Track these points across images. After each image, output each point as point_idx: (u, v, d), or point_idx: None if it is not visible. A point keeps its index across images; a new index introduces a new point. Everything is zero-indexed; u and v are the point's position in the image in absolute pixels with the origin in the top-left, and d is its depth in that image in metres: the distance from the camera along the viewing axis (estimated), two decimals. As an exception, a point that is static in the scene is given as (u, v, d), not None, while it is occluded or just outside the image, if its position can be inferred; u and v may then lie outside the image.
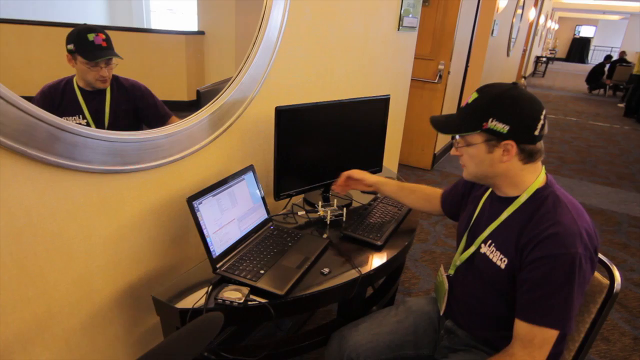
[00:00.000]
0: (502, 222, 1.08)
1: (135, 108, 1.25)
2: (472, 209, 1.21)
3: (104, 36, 1.09)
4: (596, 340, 1.13)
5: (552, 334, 0.95)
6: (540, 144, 1.01)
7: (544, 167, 1.06)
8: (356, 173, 1.52)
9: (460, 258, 1.20)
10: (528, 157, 1.00)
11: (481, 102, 1.00)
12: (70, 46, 1.05)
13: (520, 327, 0.98)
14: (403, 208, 1.69)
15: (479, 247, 1.13)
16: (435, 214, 1.46)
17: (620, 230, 3.33)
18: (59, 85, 1.08)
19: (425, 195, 1.47)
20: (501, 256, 1.05)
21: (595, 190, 4.17)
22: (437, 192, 1.46)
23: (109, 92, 1.17)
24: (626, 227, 3.40)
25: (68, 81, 1.09)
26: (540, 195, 1.02)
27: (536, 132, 0.97)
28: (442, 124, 1.08)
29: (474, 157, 1.04)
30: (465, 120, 1.02)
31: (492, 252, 1.08)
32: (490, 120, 0.97)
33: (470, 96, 1.03)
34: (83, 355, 1.18)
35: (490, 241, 1.10)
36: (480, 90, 1.02)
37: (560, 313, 0.94)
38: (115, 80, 1.18)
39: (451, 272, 1.25)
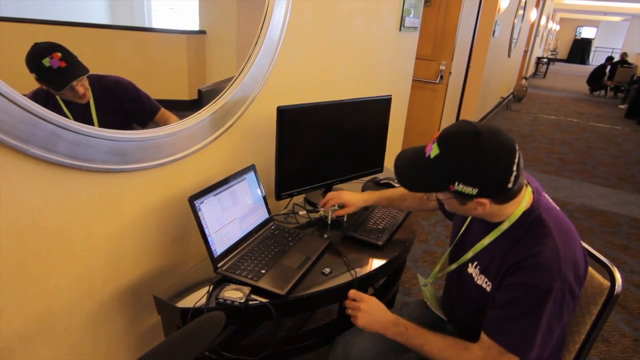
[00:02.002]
0: (485, 246, 1.06)
1: (122, 106, 1.21)
2: (460, 220, 1.21)
3: (59, 54, 0.99)
4: (596, 341, 1.12)
5: (508, 356, 0.94)
6: (518, 185, 0.92)
7: (528, 188, 1.00)
8: (341, 200, 1.47)
9: (444, 271, 1.21)
10: (506, 200, 0.95)
11: (443, 162, 0.91)
12: (34, 75, 0.97)
13: (483, 336, 0.98)
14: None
15: (466, 267, 1.13)
16: (435, 209, 1.46)
17: (620, 231, 3.33)
18: (40, 94, 1.01)
19: (417, 199, 1.46)
20: (486, 280, 1.05)
21: (596, 192, 4.17)
22: None
23: (92, 96, 1.12)
24: (627, 228, 3.40)
25: (49, 91, 1.04)
26: (525, 221, 0.97)
27: (509, 186, 0.89)
28: (406, 179, 1.01)
29: (448, 204, 1.01)
30: (429, 180, 0.95)
31: (477, 275, 1.08)
32: (457, 183, 0.90)
33: (432, 147, 0.93)
34: (84, 354, 1.18)
35: (476, 262, 1.09)
36: (441, 144, 0.92)
37: (521, 339, 0.93)
38: (97, 81, 1.13)
39: (429, 280, 1.26)
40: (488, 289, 1.03)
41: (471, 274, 1.10)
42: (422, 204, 1.46)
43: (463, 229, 1.18)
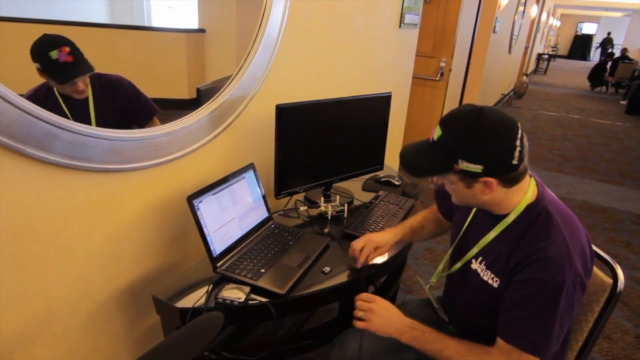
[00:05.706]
0: (491, 240, 1.04)
1: (121, 105, 1.20)
2: (461, 218, 1.19)
3: (68, 49, 0.99)
4: (599, 338, 1.12)
5: (527, 357, 0.92)
6: (524, 165, 0.92)
7: (532, 180, 1.00)
8: (374, 243, 1.29)
9: (449, 271, 1.19)
10: (512, 182, 0.94)
11: (446, 141, 0.92)
12: (37, 65, 0.97)
13: (500, 341, 0.96)
14: (405, 206, 1.68)
15: (470, 263, 1.11)
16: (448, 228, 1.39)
17: (622, 228, 3.32)
18: (40, 91, 1.01)
19: (434, 222, 1.39)
20: (492, 275, 1.02)
21: (597, 188, 4.16)
22: (435, 209, 1.39)
23: (92, 94, 1.11)
24: (629, 224, 3.38)
25: (49, 88, 1.03)
26: (531, 214, 0.96)
27: (514, 162, 0.89)
28: (412, 165, 0.99)
29: (454, 191, 1.00)
30: (434, 162, 0.94)
31: (483, 271, 1.06)
32: (460, 162, 0.90)
33: (435, 130, 0.95)
34: (83, 354, 1.18)
35: (480, 258, 1.07)
36: (443, 125, 0.93)
37: (538, 338, 0.91)
38: (98, 79, 1.12)
39: (433, 280, 1.24)
40: (495, 285, 1.01)
41: (476, 270, 1.08)
42: (440, 226, 1.39)
43: (465, 225, 1.16)
